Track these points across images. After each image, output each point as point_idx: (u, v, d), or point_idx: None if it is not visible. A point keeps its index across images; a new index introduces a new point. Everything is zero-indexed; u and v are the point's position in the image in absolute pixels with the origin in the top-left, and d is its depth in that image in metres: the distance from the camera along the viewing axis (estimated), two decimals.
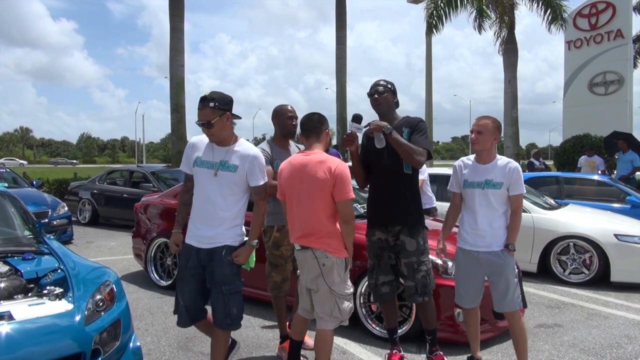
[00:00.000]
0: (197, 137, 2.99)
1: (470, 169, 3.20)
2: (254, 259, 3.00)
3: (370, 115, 3.38)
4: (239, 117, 2.93)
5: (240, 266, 2.89)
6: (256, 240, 2.89)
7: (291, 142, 3.68)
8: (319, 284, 2.88)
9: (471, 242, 3.16)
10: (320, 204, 2.83)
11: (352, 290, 2.96)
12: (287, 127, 3.49)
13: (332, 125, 25.01)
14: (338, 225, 2.90)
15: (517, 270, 3.12)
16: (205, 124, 2.77)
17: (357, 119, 3.20)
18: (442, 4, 14.26)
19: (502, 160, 3.15)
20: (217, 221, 2.81)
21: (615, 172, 11.05)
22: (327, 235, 2.85)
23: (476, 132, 3.11)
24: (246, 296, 3.53)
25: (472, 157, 3.27)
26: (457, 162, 3.35)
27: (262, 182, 2.87)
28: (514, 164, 3.12)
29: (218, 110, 2.75)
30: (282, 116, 3.52)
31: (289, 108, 3.56)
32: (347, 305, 2.92)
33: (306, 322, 3.16)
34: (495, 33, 14.32)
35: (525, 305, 3.14)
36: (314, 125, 3.00)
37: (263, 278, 3.64)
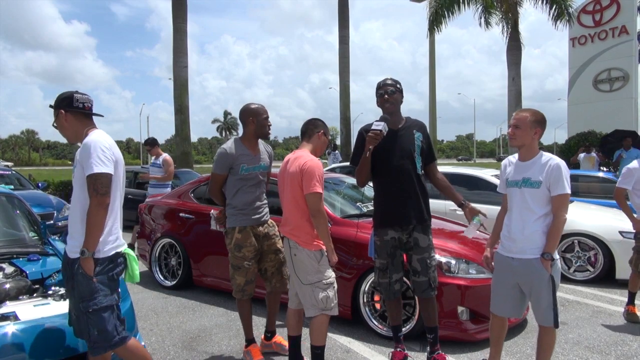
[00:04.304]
0: None
1: (513, 167, 2.97)
2: (137, 272, 2.58)
3: (375, 113, 3.37)
4: (72, 110, 2.51)
5: (112, 280, 2.45)
6: (84, 250, 2.35)
7: (260, 142, 3.57)
8: (293, 273, 3.08)
9: (506, 247, 2.93)
10: (293, 197, 3.03)
11: (331, 280, 3.02)
12: (264, 127, 3.42)
13: (336, 124, 25.07)
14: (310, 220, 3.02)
15: (553, 285, 2.78)
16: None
17: (388, 120, 3.22)
18: (444, 1, 14.18)
19: (544, 156, 2.84)
20: (71, 228, 2.49)
21: (619, 169, 11.03)
22: (296, 228, 3.04)
23: (513, 127, 2.85)
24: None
25: (517, 155, 3.02)
26: (503, 161, 3.18)
27: (92, 171, 2.34)
28: (557, 160, 2.80)
29: (55, 110, 2.56)
30: (259, 116, 3.41)
31: (265, 109, 3.49)
32: (324, 294, 2.97)
33: (299, 314, 3.20)
34: (502, 30, 14.12)
35: (556, 326, 2.80)
36: (306, 127, 3.25)
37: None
